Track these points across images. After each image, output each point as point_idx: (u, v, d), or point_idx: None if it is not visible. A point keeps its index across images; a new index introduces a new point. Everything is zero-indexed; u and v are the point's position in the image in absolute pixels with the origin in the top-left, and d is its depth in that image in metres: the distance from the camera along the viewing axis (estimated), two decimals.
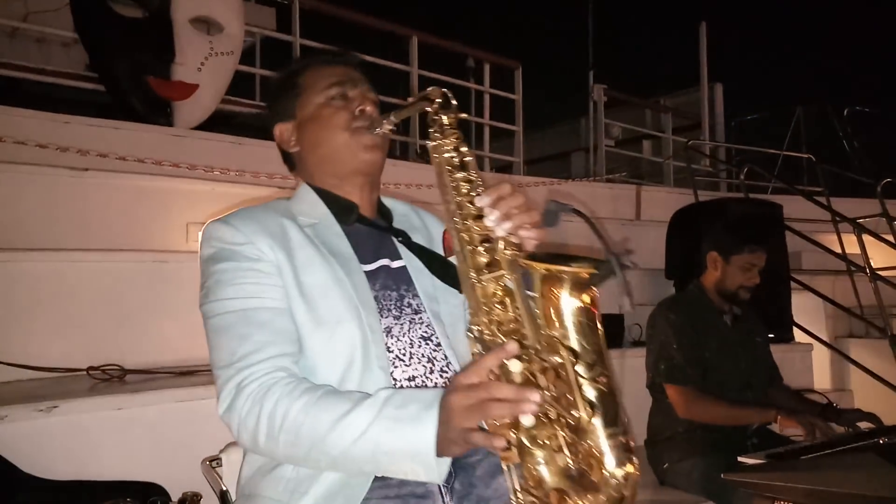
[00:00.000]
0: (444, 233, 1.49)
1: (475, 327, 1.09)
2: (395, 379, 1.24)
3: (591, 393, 0.98)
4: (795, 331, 4.16)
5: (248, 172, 3.73)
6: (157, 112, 4.06)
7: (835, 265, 4.62)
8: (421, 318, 1.33)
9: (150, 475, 1.99)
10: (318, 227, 1.34)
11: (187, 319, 2.69)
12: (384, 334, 1.27)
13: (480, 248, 1.11)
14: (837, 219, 4.71)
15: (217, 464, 1.49)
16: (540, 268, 1.04)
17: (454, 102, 1.23)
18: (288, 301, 1.24)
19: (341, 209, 1.37)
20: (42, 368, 2.36)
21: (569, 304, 1.03)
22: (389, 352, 1.26)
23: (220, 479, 1.47)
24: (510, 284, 1.08)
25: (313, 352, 1.23)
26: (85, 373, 2.38)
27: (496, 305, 1.08)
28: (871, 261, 4.28)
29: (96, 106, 4.12)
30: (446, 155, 1.19)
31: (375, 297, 1.29)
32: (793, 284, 4.22)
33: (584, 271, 1.02)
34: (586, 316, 1.03)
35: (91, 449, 2.05)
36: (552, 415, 0.98)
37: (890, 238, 4.58)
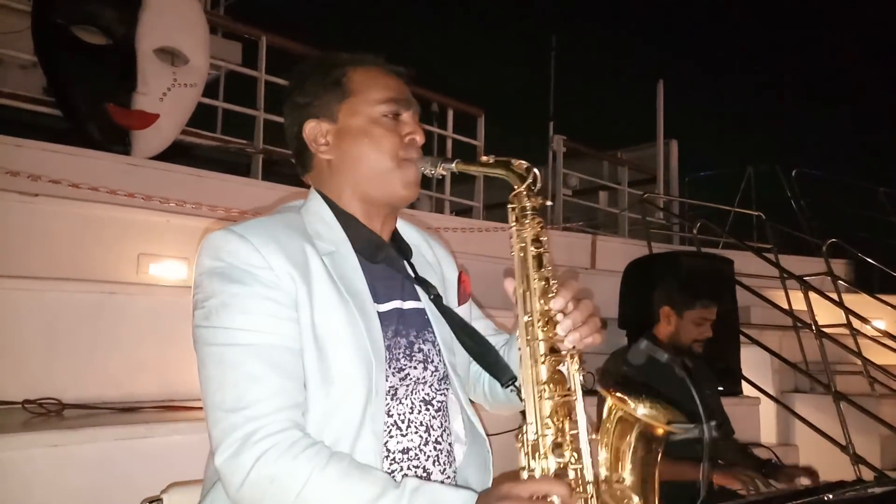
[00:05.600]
0: (461, 275, 1.43)
1: (532, 434, 1.10)
2: (388, 450, 1.17)
3: None
4: (743, 384, 4.22)
5: (205, 205, 3.68)
6: (115, 140, 3.99)
7: (782, 321, 4.72)
8: (424, 377, 1.25)
9: None
10: (335, 256, 1.21)
11: (134, 354, 2.63)
12: (388, 396, 1.19)
13: (549, 360, 1.13)
14: (785, 275, 4.83)
15: None
16: (640, 418, 1.11)
17: (540, 184, 1.21)
18: (300, 342, 1.13)
19: (367, 243, 1.27)
20: None
21: (637, 449, 1.11)
22: (389, 416, 1.18)
23: None
24: (576, 409, 1.11)
25: (314, 404, 1.12)
26: (20, 406, 2.26)
27: (555, 422, 1.10)
28: (816, 317, 4.39)
29: (52, 131, 4.03)
30: (528, 246, 1.18)
31: (387, 347, 1.20)
32: (741, 338, 4.30)
33: (675, 429, 1.09)
34: (648, 464, 1.09)
35: (23, 488, 1.94)
36: None
37: (834, 296, 4.71)
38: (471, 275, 1.52)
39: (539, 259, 1.17)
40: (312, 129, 1.30)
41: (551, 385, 1.10)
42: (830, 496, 1.96)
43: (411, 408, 1.22)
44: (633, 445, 1.10)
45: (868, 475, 3.53)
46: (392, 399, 1.19)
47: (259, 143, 5.11)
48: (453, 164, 1.29)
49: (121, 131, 4.01)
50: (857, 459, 3.73)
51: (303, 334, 1.13)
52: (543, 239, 1.18)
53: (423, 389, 1.24)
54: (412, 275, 1.32)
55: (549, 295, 1.15)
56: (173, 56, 4.33)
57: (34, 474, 1.96)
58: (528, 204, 1.19)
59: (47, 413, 2.26)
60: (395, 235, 1.37)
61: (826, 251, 5.43)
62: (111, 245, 3.15)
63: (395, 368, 1.21)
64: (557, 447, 1.07)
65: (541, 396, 1.10)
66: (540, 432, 1.09)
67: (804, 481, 2.54)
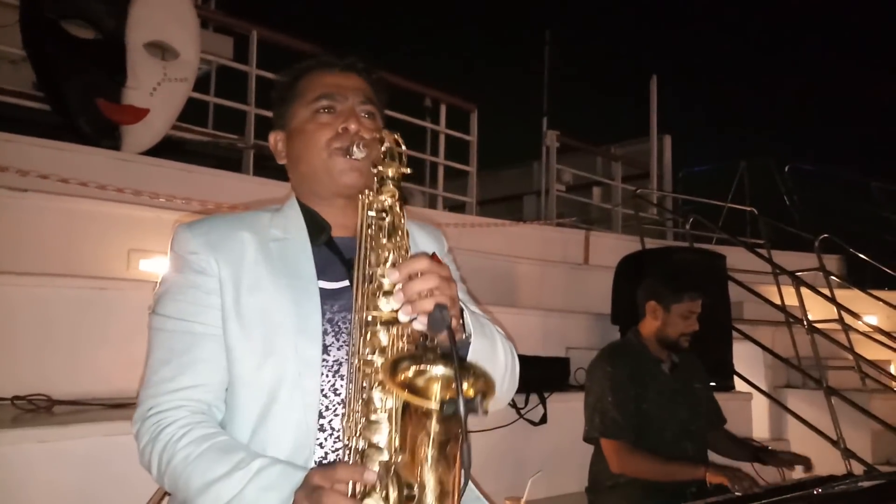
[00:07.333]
0: (433, 256, 1.42)
1: (352, 415, 1.03)
2: (332, 428, 1.18)
3: None
4: (736, 379, 4.22)
5: (195, 200, 3.66)
6: (105, 135, 3.97)
7: (774, 316, 4.72)
8: None
9: None
10: (285, 242, 1.27)
11: (124, 349, 2.61)
12: (330, 371, 1.19)
13: (378, 330, 1.04)
14: (777, 271, 4.83)
15: None
16: (392, 388, 0.92)
17: (402, 150, 1.13)
18: (223, 323, 1.20)
19: (315, 228, 1.30)
20: None
21: (431, 429, 0.90)
22: (336, 394, 1.19)
23: None
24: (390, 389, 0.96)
25: (240, 380, 1.18)
26: (9, 402, 2.25)
27: (371, 401, 1.02)
28: (808, 313, 4.39)
29: (41, 126, 4.00)
30: (374, 213, 1.11)
31: (331, 320, 1.22)
32: (734, 333, 4.30)
33: (428, 405, 0.88)
34: (441, 446, 0.90)
35: (13, 484, 1.93)
36: None
37: (826, 292, 4.72)
38: (464, 271, 1.51)
39: (391, 229, 1.10)
40: (273, 140, 1.39)
41: (370, 358, 1.03)
42: (820, 490, 1.97)
43: None
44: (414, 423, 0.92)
45: (858, 470, 3.54)
46: (336, 376, 1.19)
47: (250, 138, 5.08)
48: (360, 144, 1.23)
49: (111, 126, 3.99)
50: (848, 454, 3.74)
51: (226, 314, 1.20)
52: (399, 210, 1.11)
53: None
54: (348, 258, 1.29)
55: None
56: (164, 50, 4.31)
57: (24, 470, 1.96)
58: (390, 172, 1.12)
59: (37, 409, 2.25)
60: None
61: (818, 246, 5.43)
62: (101, 240, 3.13)
63: (342, 342, 1.21)
64: (371, 424, 1.00)
65: (359, 370, 1.03)
66: (352, 408, 1.03)
67: (797, 469, 2.53)
